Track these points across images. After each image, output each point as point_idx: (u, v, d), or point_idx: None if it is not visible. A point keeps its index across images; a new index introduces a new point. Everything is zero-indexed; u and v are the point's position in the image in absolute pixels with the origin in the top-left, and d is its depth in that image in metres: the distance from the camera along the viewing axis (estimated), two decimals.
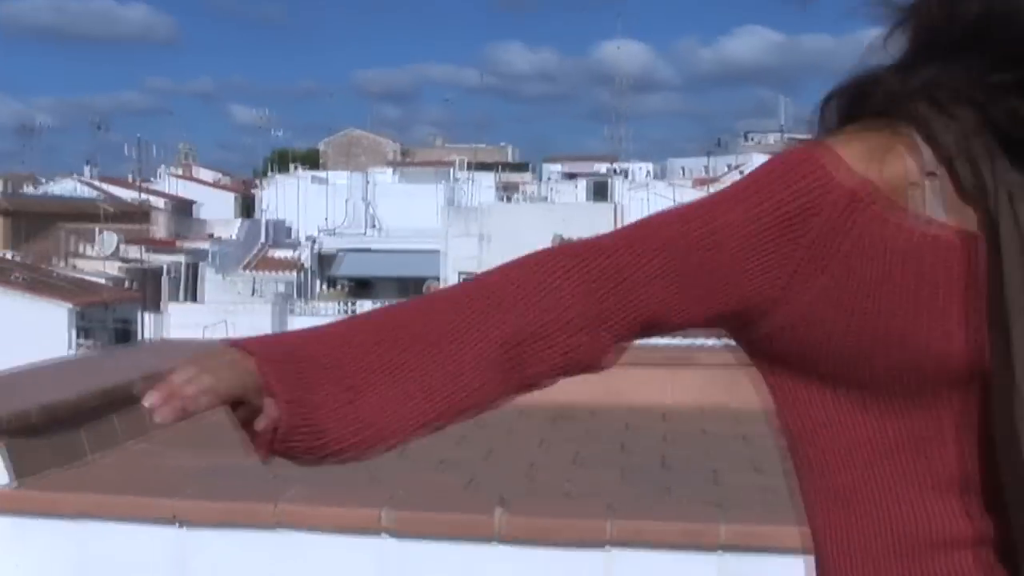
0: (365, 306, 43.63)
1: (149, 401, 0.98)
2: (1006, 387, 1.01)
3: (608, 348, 1.08)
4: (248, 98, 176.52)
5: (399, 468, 4.21)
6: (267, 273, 46.30)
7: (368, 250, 48.01)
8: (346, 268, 47.41)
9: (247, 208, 63.62)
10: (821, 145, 1.09)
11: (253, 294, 43.19)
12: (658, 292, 1.06)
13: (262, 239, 51.18)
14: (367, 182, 54.67)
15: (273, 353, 1.03)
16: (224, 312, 37.27)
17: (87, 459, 4.12)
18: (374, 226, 51.64)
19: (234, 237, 48.31)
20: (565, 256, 1.07)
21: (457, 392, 1.04)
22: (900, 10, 1.13)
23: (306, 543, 3.49)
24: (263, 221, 53.65)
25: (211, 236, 48.37)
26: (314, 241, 48.56)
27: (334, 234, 50.39)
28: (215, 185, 68.46)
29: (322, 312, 43.03)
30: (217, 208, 61.23)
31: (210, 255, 44.99)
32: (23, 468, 3.72)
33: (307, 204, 55.74)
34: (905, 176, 1.07)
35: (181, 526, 3.58)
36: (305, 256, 47.89)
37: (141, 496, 3.72)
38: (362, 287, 47.51)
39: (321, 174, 62.10)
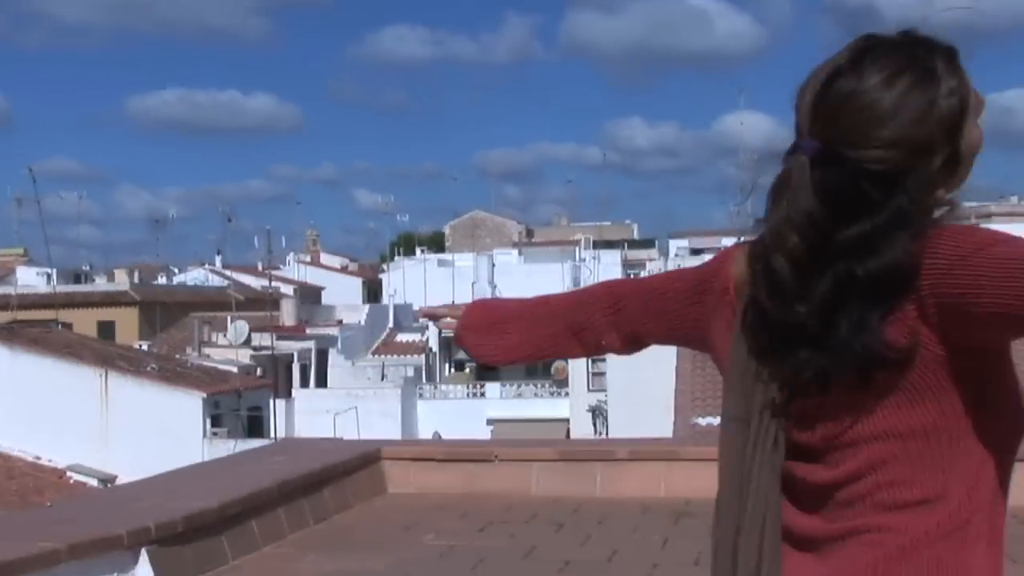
0: (493, 389, 43.86)
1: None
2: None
3: (618, 343, 1.86)
4: (372, 183, 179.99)
5: (527, 570, 4.34)
6: (394, 357, 46.90)
7: None
8: None
9: (373, 292, 64.69)
10: (739, 245, 1.62)
11: (382, 379, 43.71)
12: (640, 318, 1.80)
13: (389, 323, 51.96)
14: (491, 263, 55.23)
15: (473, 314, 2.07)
16: (352, 398, 37.86)
17: (229, 564, 4.33)
18: None
19: (361, 322, 49.11)
20: (599, 289, 1.91)
21: (543, 347, 1.95)
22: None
23: None
24: (389, 305, 54.49)
25: (339, 322, 49.22)
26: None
27: None
28: (341, 271, 69.85)
29: (450, 396, 43.43)
30: (344, 293, 62.39)
31: (338, 341, 45.77)
32: (168, 574, 3.94)
33: (432, 287, 56.48)
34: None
35: None
36: (430, 339, 48.39)
37: None
38: (488, 368, 47.86)
39: (446, 256, 62.96)
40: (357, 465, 5.80)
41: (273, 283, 58.02)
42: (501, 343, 2.01)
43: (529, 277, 52.39)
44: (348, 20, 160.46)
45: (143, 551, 3.89)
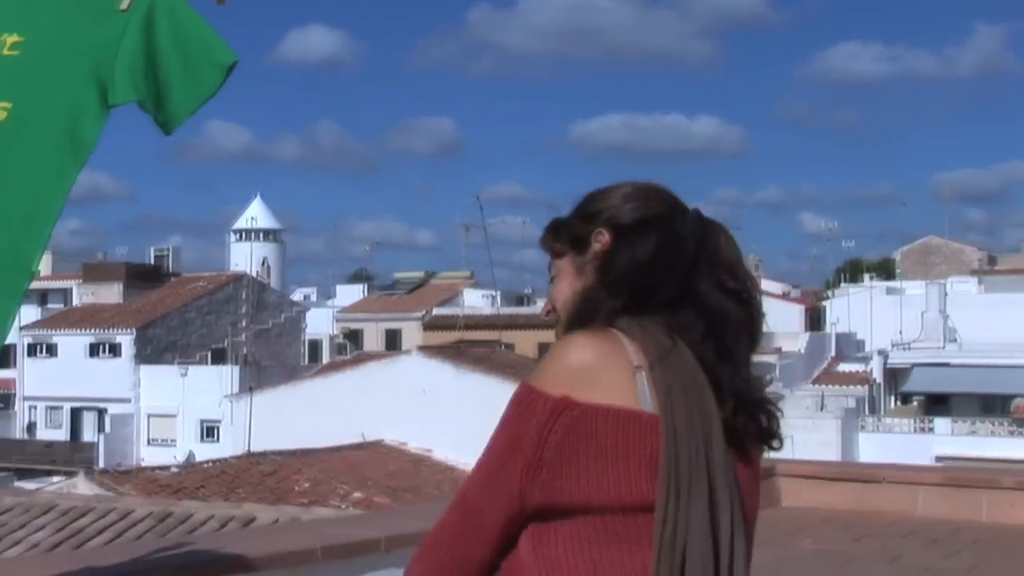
0: (942, 424, 42.74)
1: None
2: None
3: None
4: (819, 207, 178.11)
5: (888, 573, 5.05)
6: (834, 387, 46.72)
7: (946, 364, 46.99)
8: (917, 383, 46.73)
9: (816, 320, 64.34)
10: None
11: (820, 409, 43.69)
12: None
13: (830, 353, 51.75)
14: (943, 292, 53.63)
15: None
16: (788, 427, 38.18)
17: None
18: (953, 340, 50.47)
19: (800, 351, 49.23)
20: None
21: None
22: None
23: None
24: (831, 334, 54.20)
25: (777, 350, 49.63)
26: (884, 355, 48.34)
27: (907, 348, 49.87)
28: (782, 297, 69.99)
29: (895, 429, 42.81)
30: (784, 321, 62.48)
31: (776, 369, 46.18)
32: None
33: (878, 316, 55.58)
34: None
35: None
36: (874, 370, 47.79)
37: None
38: (936, 403, 46.59)
39: (895, 284, 61.64)
40: None
41: None
42: None
43: (989, 308, 50.49)
44: (796, 40, 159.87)
45: None
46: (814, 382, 47.63)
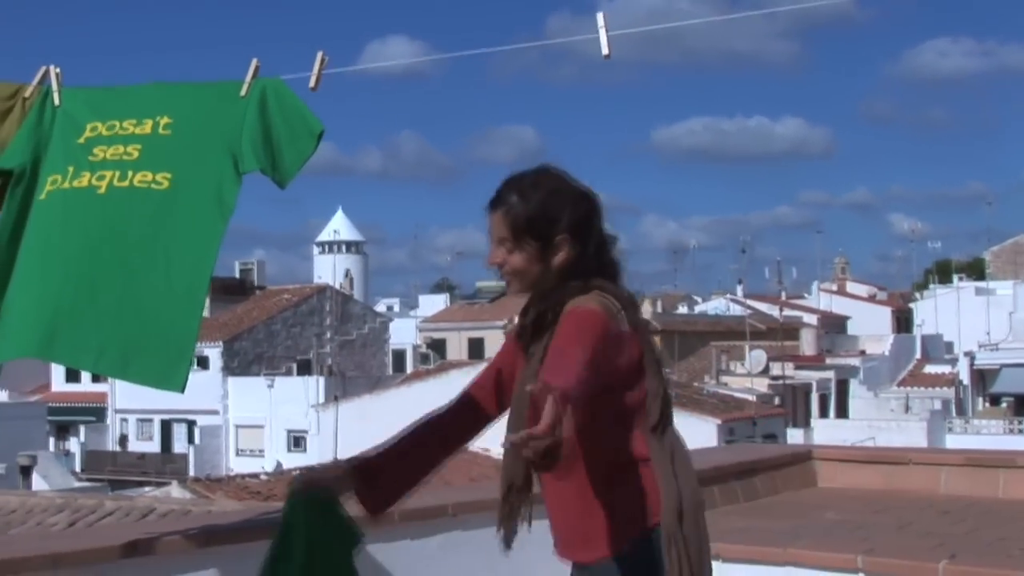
0: None
1: None
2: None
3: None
4: (908, 207, 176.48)
5: (896, 536, 5.83)
6: (920, 389, 46.87)
7: None
8: (1006, 384, 46.66)
9: (904, 322, 64.27)
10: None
11: (906, 411, 43.87)
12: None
13: (916, 354, 51.85)
14: None
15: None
16: (872, 429, 38.62)
17: None
18: None
19: (885, 353, 49.39)
20: None
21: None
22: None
23: (798, 575, 5.25)
24: (917, 335, 54.24)
25: (861, 352, 49.86)
26: (971, 356, 48.35)
27: (995, 349, 49.82)
28: (869, 299, 69.93)
29: (983, 431, 42.87)
30: (871, 323, 62.56)
31: (860, 371, 46.45)
32: None
33: (967, 317, 55.50)
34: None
35: (723, 561, 5.47)
36: (961, 372, 47.82)
37: None
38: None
39: (984, 285, 61.40)
40: (788, 461, 7.43)
41: (796, 312, 59.54)
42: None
43: None
44: (883, 38, 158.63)
45: None
46: (900, 384, 47.78)
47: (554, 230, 2.91)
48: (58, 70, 3.40)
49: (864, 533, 5.83)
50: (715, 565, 5.41)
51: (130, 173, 3.20)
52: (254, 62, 3.28)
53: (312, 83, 3.26)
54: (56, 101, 3.38)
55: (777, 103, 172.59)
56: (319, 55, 3.24)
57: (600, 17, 3.09)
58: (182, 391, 3.09)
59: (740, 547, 5.54)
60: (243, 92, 3.24)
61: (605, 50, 3.16)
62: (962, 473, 7.26)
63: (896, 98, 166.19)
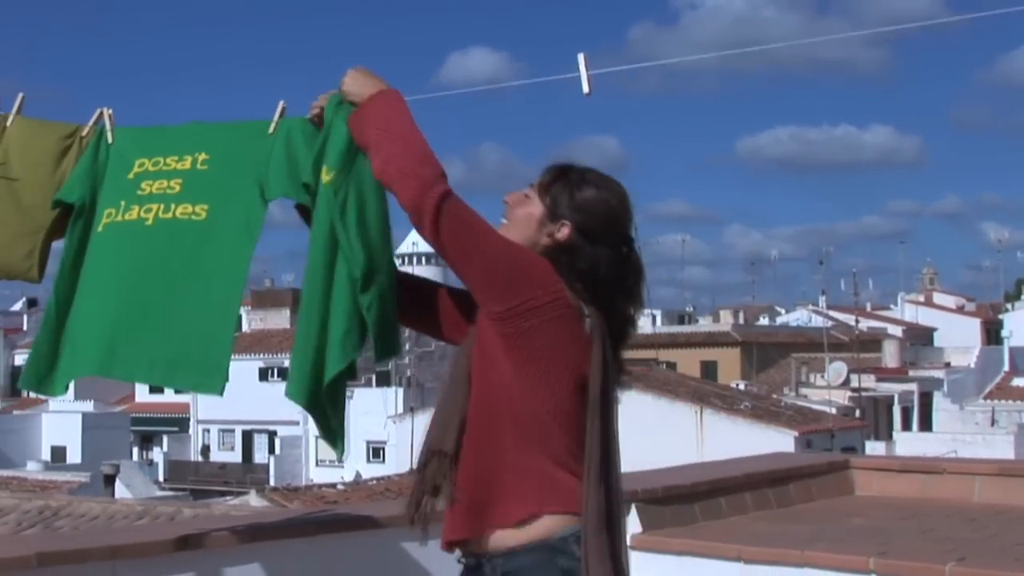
0: None
1: None
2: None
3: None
4: (1002, 215, 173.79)
5: (917, 540, 6.14)
6: (1008, 403, 46.33)
7: None
8: None
9: (992, 334, 63.49)
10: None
11: (992, 424, 43.41)
12: None
13: (1004, 367, 51.22)
14: None
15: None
16: (956, 442, 38.29)
17: (698, 523, 6.48)
18: None
19: (971, 365, 48.90)
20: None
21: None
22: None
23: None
24: (1006, 347, 53.60)
25: (946, 364, 49.42)
26: None
27: None
28: (957, 311, 69.20)
29: None
30: (959, 334, 61.91)
31: (944, 384, 46.07)
32: (648, 523, 6.16)
33: None
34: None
35: (745, 563, 5.81)
36: None
37: (714, 542, 6.02)
38: None
39: None
40: (824, 470, 7.74)
41: (880, 324, 59.14)
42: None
43: None
44: (975, 44, 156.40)
45: (633, 505, 6.18)
46: (986, 397, 47.24)
47: (568, 212, 2.93)
48: (110, 111, 3.80)
49: (883, 538, 6.14)
50: (737, 566, 5.81)
51: (173, 206, 3.57)
52: (281, 104, 3.64)
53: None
54: (109, 139, 3.78)
55: (865, 111, 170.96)
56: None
57: (581, 58, 3.24)
58: (221, 394, 3.53)
59: (762, 549, 5.90)
60: (271, 130, 3.61)
61: (586, 88, 3.27)
62: (996, 482, 7.52)
63: (989, 104, 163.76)
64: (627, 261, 2.96)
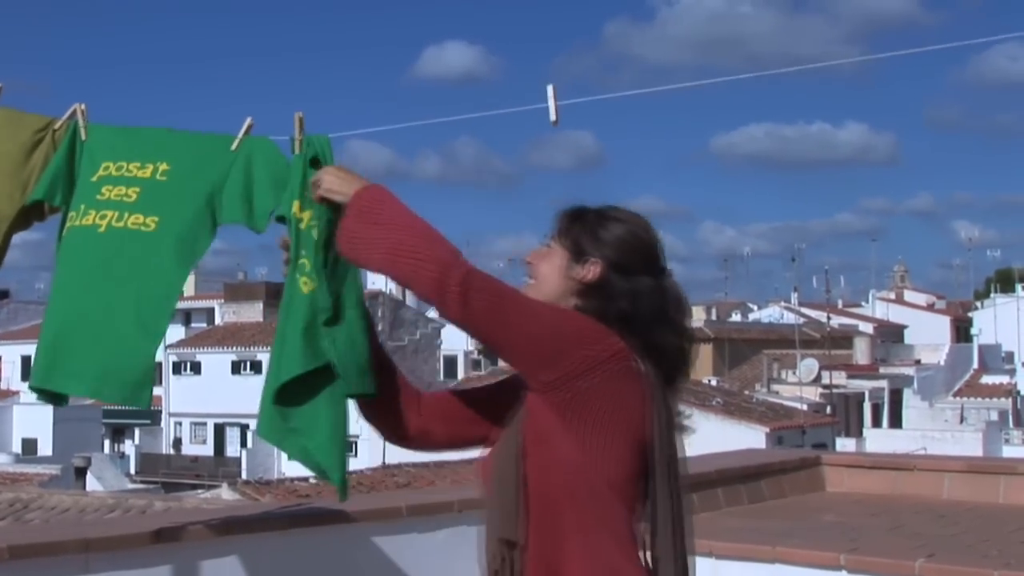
0: None
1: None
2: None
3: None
4: (974, 214, 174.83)
5: (887, 537, 6.19)
6: (977, 400, 46.69)
7: None
8: None
9: (962, 332, 63.91)
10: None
11: (961, 422, 43.72)
12: None
13: (974, 364, 51.61)
14: None
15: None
16: (926, 439, 38.57)
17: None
18: None
19: (940, 362, 49.23)
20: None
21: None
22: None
23: (784, 572, 5.62)
24: (975, 345, 53.97)
25: (916, 361, 49.72)
26: None
27: None
28: (927, 308, 69.60)
29: None
30: (929, 332, 62.30)
31: (914, 381, 46.35)
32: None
33: None
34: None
35: (717, 558, 5.85)
36: (1020, 382, 47.57)
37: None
38: None
39: None
40: (796, 466, 7.78)
41: (852, 321, 59.42)
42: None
43: None
44: (950, 42, 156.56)
45: None
46: (956, 394, 47.60)
47: (595, 250, 2.76)
48: (83, 107, 3.70)
49: (855, 534, 6.19)
50: (709, 562, 5.83)
51: (126, 215, 3.48)
52: (248, 120, 3.54)
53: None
54: (83, 136, 3.67)
55: (840, 109, 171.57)
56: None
57: (550, 89, 3.19)
58: (147, 407, 3.50)
59: (733, 545, 5.93)
60: (234, 146, 3.52)
61: (553, 116, 3.20)
62: (964, 479, 7.58)
63: (963, 103, 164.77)
64: (667, 291, 2.77)
